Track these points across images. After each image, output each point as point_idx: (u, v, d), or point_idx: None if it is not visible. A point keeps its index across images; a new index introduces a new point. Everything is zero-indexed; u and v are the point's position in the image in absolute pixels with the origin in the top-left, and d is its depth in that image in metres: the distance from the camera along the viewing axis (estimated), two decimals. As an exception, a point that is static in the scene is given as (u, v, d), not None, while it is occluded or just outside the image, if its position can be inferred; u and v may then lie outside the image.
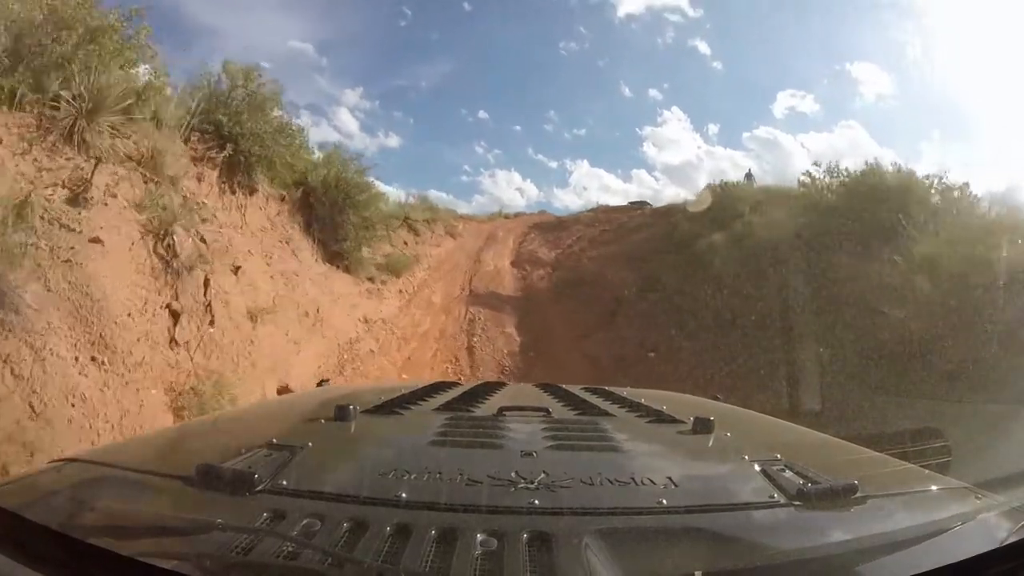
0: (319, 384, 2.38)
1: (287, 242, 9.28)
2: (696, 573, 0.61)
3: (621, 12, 22.34)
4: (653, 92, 22.88)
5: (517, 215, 22.45)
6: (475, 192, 25.83)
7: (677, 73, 23.96)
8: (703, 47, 21.18)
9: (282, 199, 9.84)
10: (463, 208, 19.51)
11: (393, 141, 20.93)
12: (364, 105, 20.70)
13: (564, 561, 0.62)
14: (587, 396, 1.60)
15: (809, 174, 10.94)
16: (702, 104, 26.67)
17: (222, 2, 21.62)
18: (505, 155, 23.93)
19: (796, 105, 21.50)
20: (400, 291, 12.63)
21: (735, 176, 16.21)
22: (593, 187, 24.53)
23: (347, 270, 10.79)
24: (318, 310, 8.58)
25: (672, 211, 15.53)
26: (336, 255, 10.64)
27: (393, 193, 14.59)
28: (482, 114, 23.51)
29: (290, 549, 0.62)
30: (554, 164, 23.70)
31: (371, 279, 11.56)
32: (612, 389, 1.78)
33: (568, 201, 24.26)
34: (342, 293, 9.98)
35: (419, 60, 25.33)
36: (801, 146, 20.44)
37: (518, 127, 24.82)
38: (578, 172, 22.93)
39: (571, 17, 22.91)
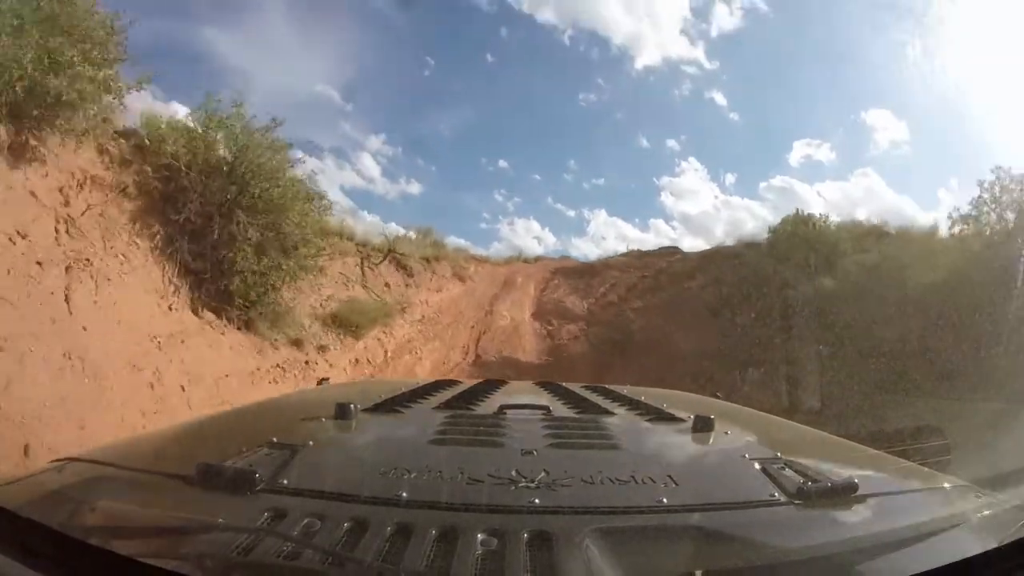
0: (319, 383, 2.34)
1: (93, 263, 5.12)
2: (697, 572, 0.61)
3: (639, 64, 21.87)
4: (671, 142, 22.62)
5: (538, 259, 21.11)
6: (494, 239, 25.39)
7: (694, 124, 23.93)
8: (720, 98, 20.83)
9: (103, 181, 5.53)
10: (480, 252, 18.47)
11: (414, 188, 20.34)
12: (387, 151, 20.56)
13: (565, 560, 0.61)
14: (587, 394, 1.58)
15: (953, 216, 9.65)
16: (719, 154, 25.89)
17: (251, 44, 21.55)
18: (524, 203, 23.41)
19: (812, 154, 21.07)
20: (355, 360, 8.89)
21: (753, 226, 16.29)
22: (611, 236, 22.87)
23: (247, 326, 6.44)
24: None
25: (717, 255, 14.23)
26: (224, 298, 6.24)
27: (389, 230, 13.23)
28: (502, 163, 22.71)
29: (291, 549, 0.61)
30: (572, 213, 22.60)
31: (297, 342, 7.30)
32: (612, 387, 1.77)
33: (586, 250, 22.89)
34: (218, 375, 5.55)
35: (441, 108, 25.20)
36: (817, 195, 20.49)
37: (538, 176, 24.29)
38: (596, 221, 22.09)
39: (590, 70, 22.74)
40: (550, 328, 14.18)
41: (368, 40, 23.03)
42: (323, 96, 20.11)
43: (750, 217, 20.01)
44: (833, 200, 19.09)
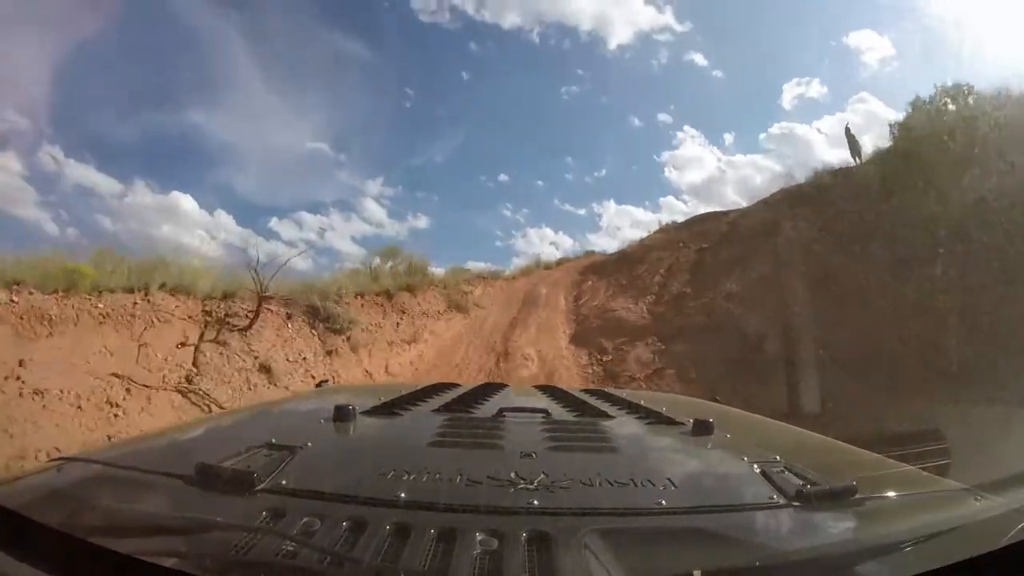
0: (318, 384, 2.35)
1: None
2: (695, 574, 0.61)
3: (612, 45, 21.81)
4: (662, 116, 22.33)
5: (560, 262, 19.10)
6: (511, 255, 24.18)
7: (681, 91, 23.84)
8: (699, 59, 20.70)
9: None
10: (485, 266, 16.89)
11: (422, 221, 20.81)
12: (388, 192, 21.21)
13: (563, 561, 0.61)
14: (587, 398, 1.58)
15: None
16: (712, 116, 26.11)
17: (239, 117, 22.37)
18: (533, 213, 23.01)
19: (803, 92, 20.72)
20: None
21: (760, 180, 15.26)
22: (625, 225, 23.05)
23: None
24: None
25: (783, 202, 11.84)
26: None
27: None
28: (502, 177, 22.78)
29: (289, 548, 0.61)
30: (582, 211, 22.91)
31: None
32: (611, 391, 1.78)
33: (604, 244, 20.88)
34: None
35: (431, 137, 25.14)
36: (818, 132, 19.17)
37: (540, 182, 23.91)
38: (607, 214, 21.62)
39: (566, 62, 22.77)
40: (606, 360, 9.77)
41: (347, 88, 23.04)
42: (316, 152, 20.15)
43: (756, 171, 19.25)
44: (835, 134, 17.54)
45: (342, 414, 1.11)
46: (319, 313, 8.40)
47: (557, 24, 23.28)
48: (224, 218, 18.41)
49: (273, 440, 0.92)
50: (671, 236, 16.12)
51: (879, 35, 18.86)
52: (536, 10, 23.92)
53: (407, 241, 19.81)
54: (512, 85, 23.76)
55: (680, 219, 17.57)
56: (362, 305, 9.53)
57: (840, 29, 20.76)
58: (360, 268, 11.75)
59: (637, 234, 18.32)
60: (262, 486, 0.75)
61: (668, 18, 20.87)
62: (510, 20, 22.40)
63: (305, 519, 0.67)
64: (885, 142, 10.30)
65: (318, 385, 2.35)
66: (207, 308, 7.19)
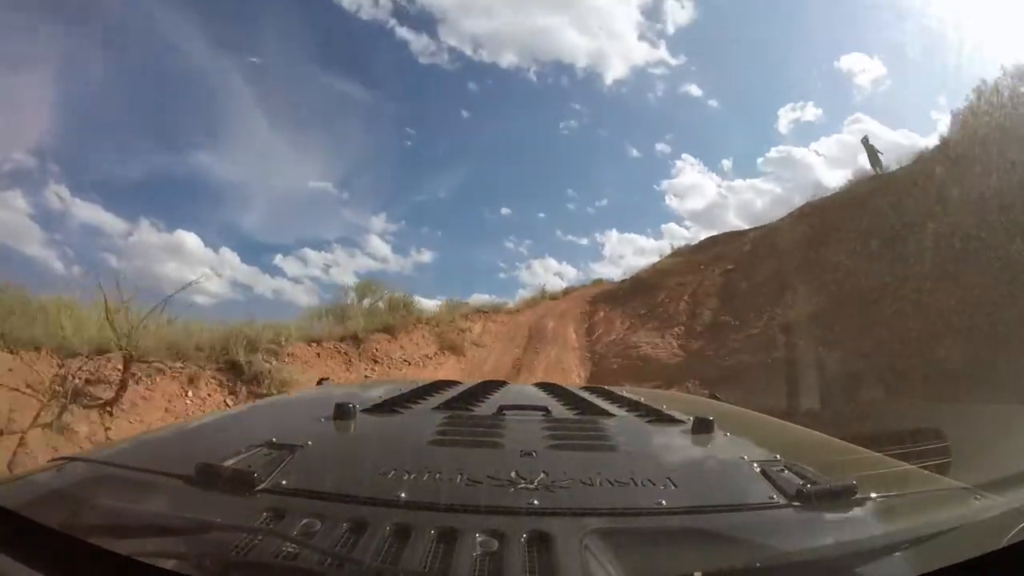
0: (319, 383, 2.32)
1: None
2: (696, 574, 0.60)
3: (608, 80, 22.11)
4: (660, 146, 22.97)
5: (567, 292, 18.63)
6: (516, 287, 24.07)
7: (677, 121, 24.94)
8: (694, 90, 21.28)
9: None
10: (485, 298, 16.45)
11: (426, 256, 20.86)
12: (391, 228, 21.46)
13: (564, 561, 0.61)
14: (587, 396, 1.57)
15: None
16: (710, 144, 26.12)
17: (243, 157, 22.86)
18: (536, 244, 24.24)
19: (799, 116, 21.11)
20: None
21: (761, 204, 17.52)
22: (628, 253, 23.01)
23: None
24: None
25: (817, 211, 11.50)
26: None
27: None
28: (504, 210, 22.87)
29: (290, 549, 0.61)
30: (585, 241, 23.74)
31: None
32: (612, 389, 1.76)
33: (607, 272, 20.31)
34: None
35: (433, 173, 25.61)
36: (816, 154, 19.79)
37: (542, 214, 24.56)
38: (609, 242, 22.00)
39: (564, 98, 23.54)
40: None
41: (349, 128, 23.80)
42: (320, 191, 20.51)
43: (756, 195, 19.89)
44: (832, 155, 18.57)
45: (342, 412, 1.11)
46: (243, 372, 6.35)
47: (554, 62, 23.66)
48: (229, 255, 18.43)
49: (273, 439, 0.92)
50: (687, 259, 15.38)
51: (869, 57, 19.29)
52: (533, 49, 24.46)
53: (413, 276, 19.88)
54: (512, 122, 24.48)
55: (691, 242, 17.35)
56: (318, 355, 7.87)
57: (831, 53, 21.76)
58: (327, 306, 10.04)
59: (641, 261, 19.00)
60: (262, 486, 0.75)
61: (662, 52, 21.04)
62: (507, 60, 22.34)
63: (305, 519, 0.67)
64: (892, 161, 10.76)
65: (319, 383, 2.29)
66: (64, 371, 5.00)
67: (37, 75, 17.50)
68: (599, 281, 20.06)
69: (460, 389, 1.56)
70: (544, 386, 1.87)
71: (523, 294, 17.76)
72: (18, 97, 15.47)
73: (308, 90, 24.08)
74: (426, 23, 23.25)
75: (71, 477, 0.85)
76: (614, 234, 21.33)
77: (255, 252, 24.94)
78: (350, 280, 18.21)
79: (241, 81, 21.79)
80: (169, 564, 0.60)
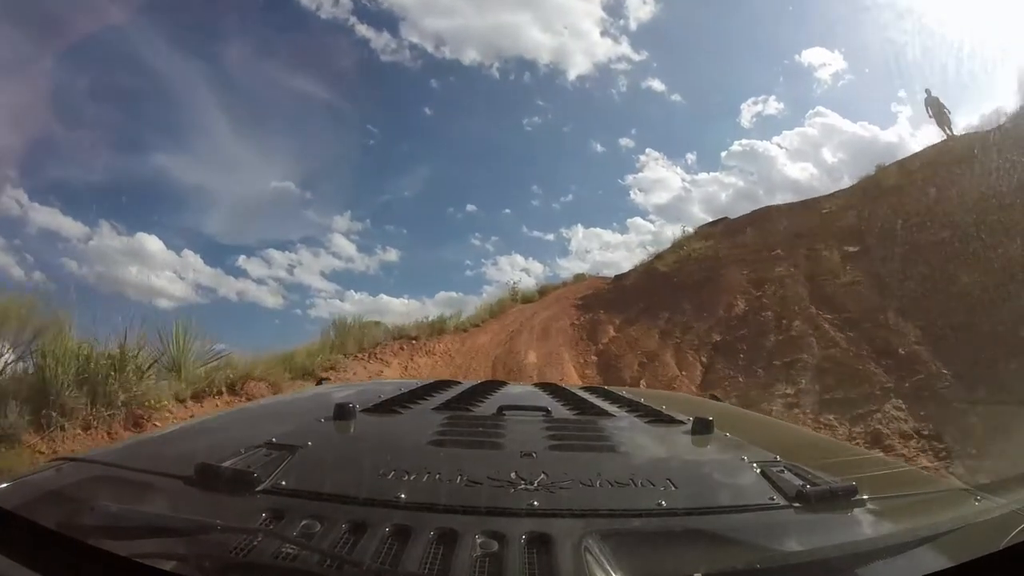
0: (318, 382, 2.42)
1: None
2: (696, 575, 0.61)
3: (571, 76, 22.06)
4: (624, 141, 22.50)
5: (543, 291, 16.27)
6: (482, 283, 23.39)
7: (641, 116, 25.68)
8: (657, 85, 21.03)
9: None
10: (475, 305, 14.31)
11: (392, 255, 19.83)
12: (356, 227, 20.30)
13: (564, 563, 0.61)
14: (587, 396, 1.57)
15: None
16: (673, 138, 27.32)
17: (204, 159, 22.44)
18: (502, 241, 23.40)
19: (761, 111, 20.92)
20: None
21: (725, 197, 18.55)
22: (594, 247, 21.61)
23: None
24: None
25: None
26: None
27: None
28: (470, 207, 22.15)
29: (289, 550, 0.61)
30: (551, 236, 22.34)
31: None
32: (612, 389, 1.76)
33: (574, 267, 19.78)
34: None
35: (397, 172, 26.31)
36: (778, 147, 19.70)
37: (507, 210, 24.70)
38: (575, 238, 21.63)
39: (528, 94, 23.68)
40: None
41: (310, 128, 24.06)
42: (282, 191, 20.98)
43: (720, 188, 20.13)
44: (794, 147, 19.17)
45: (342, 413, 1.11)
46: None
47: (516, 59, 23.16)
48: (192, 258, 18.11)
49: (273, 440, 0.92)
50: (730, 242, 12.40)
51: (830, 51, 19.49)
52: (495, 46, 24.65)
53: (379, 274, 19.95)
54: (475, 119, 24.52)
55: (720, 219, 15.46)
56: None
57: (792, 48, 22.35)
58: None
59: (605, 256, 18.87)
60: (262, 486, 0.75)
61: (625, 48, 21.06)
62: (470, 56, 21.80)
63: (305, 520, 0.67)
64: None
65: (318, 383, 2.30)
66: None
67: None
68: (582, 277, 17.87)
69: (460, 389, 1.56)
70: (544, 386, 1.87)
71: (487, 295, 15.78)
72: None
73: (268, 90, 23.87)
74: (387, 21, 23.07)
75: (70, 477, 0.86)
76: (580, 229, 21.02)
77: (218, 254, 24.17)
78: (316, 281, 18.32)
79: (200, 81, 21.66)
80: (169, 565, 0.60)
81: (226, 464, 0.79)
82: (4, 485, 0.83)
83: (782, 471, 0.87)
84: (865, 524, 0.78)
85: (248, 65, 21.94)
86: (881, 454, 1.30)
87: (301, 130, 25.25)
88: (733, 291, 9.89)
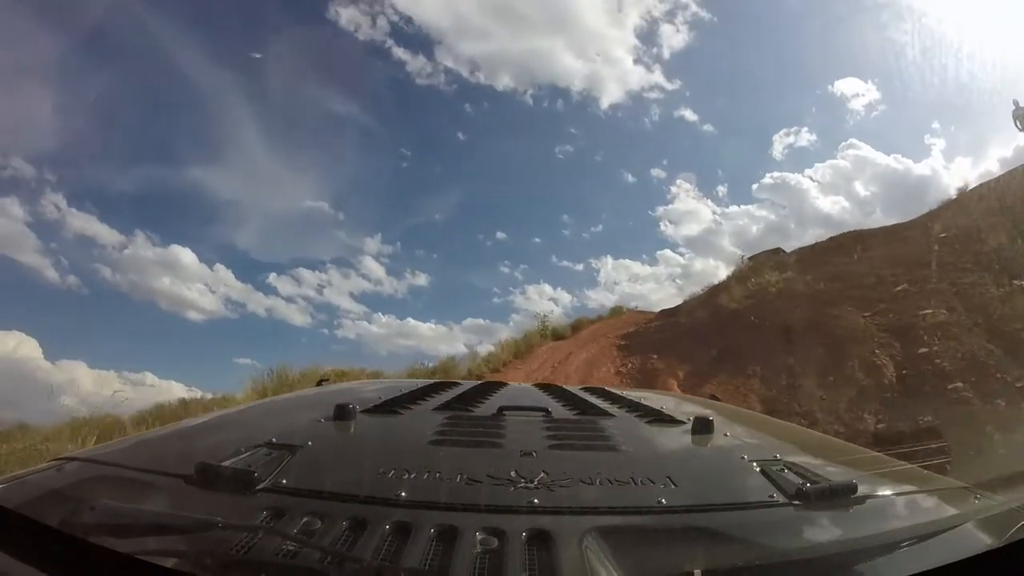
0: (319, 383, 2.33)
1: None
2: (695, 572, 0.61)
3: (604, 104, 21.68)
4: (655, 171, 22.29)
5: (577, 327, 13.82)
6: (510, 312, 21.85)
7: (672, 147, 24.81)
8: (689, 115, 20.80)
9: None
10: (502, 333, 14.44)
11: (421, 279, 19.87)
12: (386, 250, 20.47)
13: (564, 560, 0.61)
14: (587, 396, 1.57)
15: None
16: (705, 169, 25.72)
17: (240, 174, 22.34)
18: (531, 269, 22.72)
19: (793, 142, 20.52)
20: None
21: (756, 232, 17.92)
22: (623, 279, 20.70)
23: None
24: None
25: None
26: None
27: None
28: (500, 234, 21.98)
29: (290, 547, 0.61)
30: (580, 267, 21.45)
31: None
32: (612, 389, 1.75)
33: (602, 299, 19.02)
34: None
35: (428, 196, 25.34)
36: (810, 180, 19.42)
37: (537, 239, 23.51)
38: (604, 269, 20.94)
39: (560, 122, 23.44)
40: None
41: (345, 149, 23.85)
42: (315, 211, 21.07)
43: (751, 222, 20.00)
44: (826, 181, 18.83)
45: (343, 413, 1.11)
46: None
47: (550, 85, 23.90)
48: (224, 272, 18.55)
49: (274, 439, 0.92)
50: (815, 274, 9.78)
51: (864, 82, 19.06)
52: (529, 71, 25.37)
53: (407, 298, 20.08)
54: (507, 145, 24.93)
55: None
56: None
57: (825, 78, 21.89)
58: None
59: (634, 288, 17.95)
60: (262, 485, 0.75)
61: (658, 77, 21.21)
62: (503, 83, 22.12)
63: (305, 518, 0.67)
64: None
65: (319, 383, 2.29)
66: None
67: (38, 83, 17.46)
68: (620, 311, 15.75)
69: (460, 390, 1.55)
70: (544, 387, 1.87)
71: (514, 324, 15.59)
72: (18, 104, 15.37)
73: (304, 108, 24.38)
74: (423, 44, 23.39)
75: (71, 477, 0.86)
76: (609, 260, 21.01)
77: (250, 270, 24.41)
78: (344, 302, 18.50)
79: (239, 98, 22.19)
80: (169, 563, 0.60)
81: (227, 463, 0.79)
82: (5, 484, 0.84)
83: (782, 469, 0.87)
84: (865, 522, 0.78)
85: (286, 83, 22.39)
86: (881, 453, 1.09)
87: (335, 150, 25.41)
88: (860, 340, 7.37)
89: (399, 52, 20.22)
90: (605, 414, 1.26)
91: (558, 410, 1.30)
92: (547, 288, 20.31)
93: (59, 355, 14.63)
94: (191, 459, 0.78)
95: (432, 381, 1.72)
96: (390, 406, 1.24)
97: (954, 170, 17.87)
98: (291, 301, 18.77)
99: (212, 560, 0.60)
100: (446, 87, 21.22)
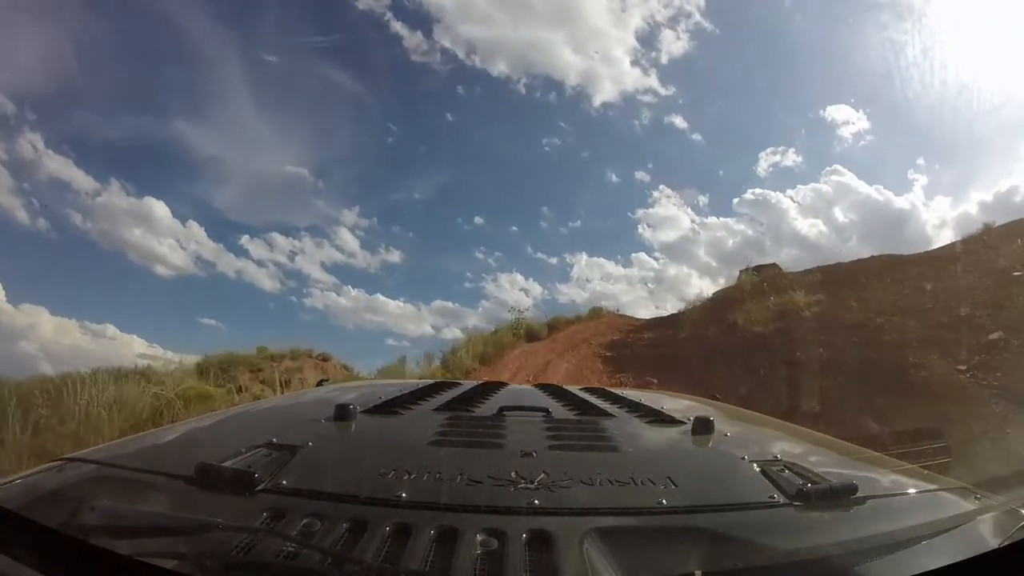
0: (319, 383, 2.31)
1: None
2: (696, 573, 0.60)
3: (597, 102, 21.21)
4: (639, 174, 21.54)
5: (553, 327, 12.39)
6: (480, 298, 21.28)
7: (659, 152, 24.09)
8: (680, 122, 20.45)
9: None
10: (470, 318, 16.17)
11: (394, 256, 19.37)
12: (363, 223, 19.72)
13: (564, 561, 0.61)
14: (587, 396, 1.55)
15: None
16: (688, 178, 27.41)
17: (223, 131, 21.99)
18: (505, 257, 22.25)
19: (779, 161, 20.20)
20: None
21: (732, 244, 17.14)
22: (596, 277, 19.83)
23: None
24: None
25: None
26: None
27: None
28: (478, 219, 21.21)
29: (290, 549, 0.61)
30: (554, 260, 20.94)
31: None
32: (612, 389, 1.74)
33: (574, 295, 19.49)
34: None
35: (410, 174, 23.92)
36: (791, 200, 19.26)
37: (514, 228, 22.70)
38: (578, 265, 20.11)
39: (550, 114, 23.07)
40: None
41: (332, 117, 23.98)
42: (295, 177, 20.37)
43: (728, 235, 19.53)
44: (807, 203, 18.77)
45: (343, 413, 1.10)
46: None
47: (544, 77, 22.92)
48: (196, 230, 17.88)
49: (274, 440, 0.92)
50: (856, 298, 8.24)
51: (855, 110, 18.95)
52: (526, 61, 24.65)
53: (379, 274, 19.66)
54: (495, 131, 24.02)
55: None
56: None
57: (818, 102, 21.89)
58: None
59: (606, 287, 17.67)
60: (263, 486, 0.75)
61: (653, 81, 20.57)
62: (499, 68, 21.34)
63: (305, 519, 0.67)
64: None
65: (319, 384, 2.28)
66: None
67: (28, 20, 17.59)
68: (599, 312, 14.23)
69: (460, 390, 1.54)
70: (544, 387, 1.85)
71: (485, 304, 16.18)
72: (4, 38, 14.87)
73: (296, 72, 23.21)
74: (423, 21, 22.48)
75: (71, 477, 0.86)
76: (584, 257, 20.27)
77: (223, 229, 23.11)
78: (316, 271, 17.86)
79: (230, 52, 21.39)
80: (169, 564, 0.60)
81: (227, 464, 0.79)
82: (4, 484, 0.83)
83: (782, 470, 0.87)
84: (865, 522, 0.77)
85: (280, 43, 21.15)
86: (881, 453, 1.07)
87: (322, 117, 24.46)
88: (965, 402, 5.53)
89: (397, 26, 19.47)
90: (605, 414, 1.26)
91: (558, 410, 1.29)
92: (519, 278, 19.85)
93: (21, 299, 14.65)
94: (191, 459, 0.78)
95: (432, 381, 1.70)
96: (390, 406, 1.23)
97: (933, 208, 17.99)
98: (262, 265, 18.33)
99: (212, 561, 0.60)
100: (440, 67, 20.60)
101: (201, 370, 9.34)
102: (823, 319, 7.96)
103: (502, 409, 1.20)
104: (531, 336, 11.15)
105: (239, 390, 8.28)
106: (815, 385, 6.43)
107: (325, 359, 12.19)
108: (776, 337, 7.98)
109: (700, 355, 8.69)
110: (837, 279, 9.70)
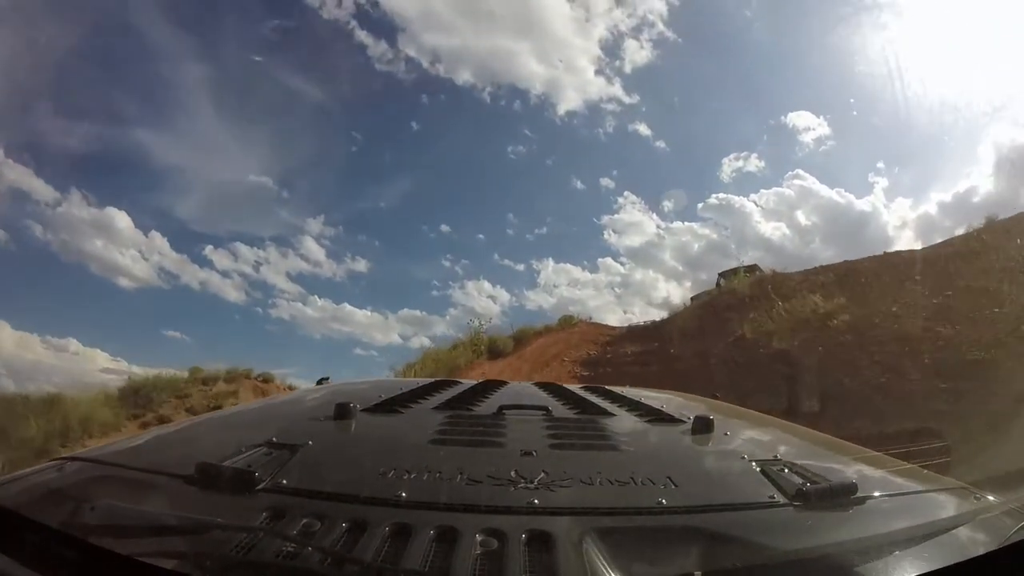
0: (319, 382, 2.31)
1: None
2: (696, 573, 0.60)
3: (561, 110, 21.63)
4: (605, 181, 22.29)
5: (520, 337, 11.99)
6: (448, 306, 21.02)
7: (624, 158, 25.06)
8: (644, 129, 21.01)
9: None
10: (438, 326, 16.25)
11: (361, 265, 19.68)
12: (328, 232, 19.80)
13: (564, 560, 0.61)
14: (587, 395, 1.56)
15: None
16: (653, 184, 26.52)
17: (185, 141, 22.08)
18: (472, 265, 22.00)
19: (742, 167, 20.69)
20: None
21: (697, 247, 17.38)
22: (563, 283, 20.61)
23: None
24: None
25: None
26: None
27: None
28: (444, 227, 21.97)
29: (290, 548, 0.61)
30: (521, 267, 21.72)
31: None
32: (612, 388, 1.74)
33: (541, 301, 19.68)
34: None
35: (376, 182, 24.15)
36: (755, 204, 19.69)
37: (481, 235, 23.59)
38: (545, 271, 20.98)
39: (515, 122, 23.56)
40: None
41: (295, 126, 23.47)
42: (259, 186, 19.66)
43: (693, 239, 19.79)
44: (770, 207, 18.80)
45: (343, 412, 1.10)
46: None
47: (509, 86, 23.50)
48: (159, 240, 17.55)
49: (274, 439, 0.92)
50: (890, 300, 7.02)
51: (816, 116, 19.67)
52: (490, 70, 25.68)
53: (344, 283, 19.34)
54: (460, 139, 25.00)
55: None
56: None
57: (780, 108, 23.08)
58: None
59: (573, 293, 17.93)
60: (263, 485, 0.75)
61: (617, 90, 21.40)
62: (463, 77, 22.49)
63: (305, 519, 0.67)
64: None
65: (319, 382, 2.24)
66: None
67: None
68: (570, 321, 13.00)
69: (460, 389, 1.54)
70: (544, 386, 1.85)
71: (453, 312, 16.32)
72: None
73: (259, 81, 23.51)
74: (387, 30, 22.59)
75: (71, 477, 0.85)
76: (551, 263, 21.13)
77: (186, 240, 22.94)
78: (281, 281, 17.56)
79: (192, 60, 20.61)
80: (169, 564, 0.60)
81: (227, 463, 0.79)
82: (5, 483, 0.83)
83: (782, 469, 0.87)
84: (865, 522, 0.77)
85: (243, 52, 21.27)
86: (881, 453, 1.08)
87: (286, 126, 24.83)
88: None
89: (362, 35, 19.85)
90: (605, 413, 1.26)
91: (558, 409, 1.29)
92: (487, 285, 20.31)
93: (-20, 313, 12.67)
94: (191, 459, 0.78)
95: (432, 380, 1.69)
96: (390, 405, 1.24)
97: (894, 209, 18.55)
98: (226, 276, 18.50)
99: (212, 561, 0.60)
100: (405, 75, 21.14)
101: (123, 395, 9.09)
102: (859, 329, 6.45)
103: (502, 408, 1.20)
104: (494, 352, 9.38)
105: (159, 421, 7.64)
106: (899, 428, 4.53)
107: (266, 380, 11.47)
108: (804, 354, 6.39)
109: (704, 378, 6.91)
110: (850, 279, 8.27)
